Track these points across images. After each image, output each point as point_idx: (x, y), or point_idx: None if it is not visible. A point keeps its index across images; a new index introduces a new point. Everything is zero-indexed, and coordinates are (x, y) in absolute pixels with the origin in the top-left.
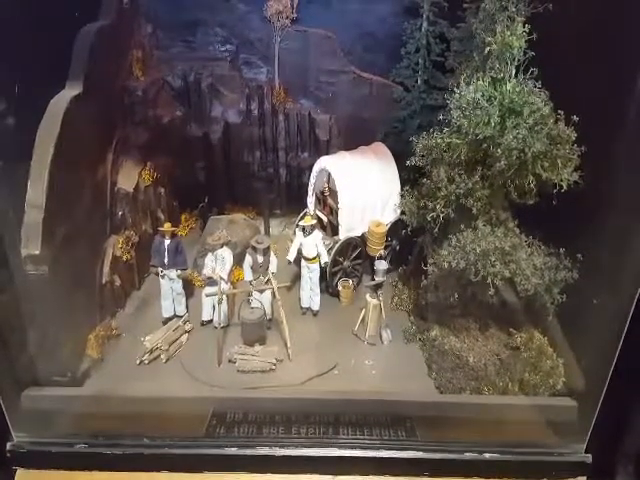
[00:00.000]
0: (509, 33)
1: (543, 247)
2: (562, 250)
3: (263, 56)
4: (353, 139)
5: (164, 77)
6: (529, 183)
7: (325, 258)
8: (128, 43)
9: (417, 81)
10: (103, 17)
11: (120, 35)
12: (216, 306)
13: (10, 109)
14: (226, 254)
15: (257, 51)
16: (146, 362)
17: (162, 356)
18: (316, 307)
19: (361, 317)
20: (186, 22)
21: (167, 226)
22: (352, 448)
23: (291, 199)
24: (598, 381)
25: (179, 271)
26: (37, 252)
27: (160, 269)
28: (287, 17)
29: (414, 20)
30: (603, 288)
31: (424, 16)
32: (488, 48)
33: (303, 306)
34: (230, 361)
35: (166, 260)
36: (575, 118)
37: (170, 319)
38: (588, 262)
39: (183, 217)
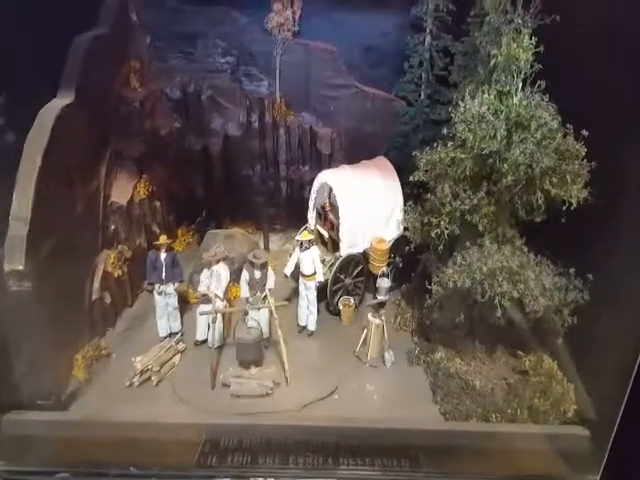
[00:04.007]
0: (515, 45)
1: (552, 267)
2: (572, 270)
3: (264, 69)
4: (355, 153)
5: (162, 88)
6: (537, 199)
7: (320, 277)
8: (125, 53)
9: (420, 95)
10: (99, 26)
11: (116, 45)
12: (210, 325)
13: None
14: (222, 270)
15: (258, 63)
16: (136, 384)
17: (153, 378)
18: (312, 327)
19: (363, 337)
20: (186, 33)
21: (163, 239)
22: (353, 479)
23: (292, 214)
24: (612, 408)
25: (176, 284)
26: (21, 267)
27: (158, 285)
28: (288, 30)
29: (417, 34)
30: (616, 309)
31: (427, 30)
32: (494, 60)
33: (300, 324)
34: (224, 384)
35: (163, 275)
36: (585, 132)
37: (167, 337)
38: (600, 282)
39: (180, 231)
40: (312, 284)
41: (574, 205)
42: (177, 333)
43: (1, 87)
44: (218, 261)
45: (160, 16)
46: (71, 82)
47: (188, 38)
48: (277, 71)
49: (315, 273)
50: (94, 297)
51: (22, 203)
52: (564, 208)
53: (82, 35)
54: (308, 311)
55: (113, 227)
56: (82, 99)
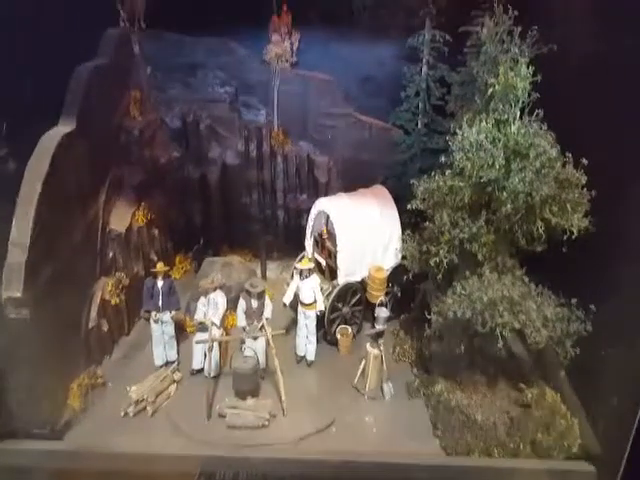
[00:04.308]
0: (513, 74)
1: (553, 297)
2: (574, 300)
3: (262, 98)
4: (352, 182)
5: (162, 117)
6: (538, 228)
7: (321, 306)
8: (125, 83)
9: (417, 124)
10: (101, 56)
11: (117, 74)
12: (207, 354)
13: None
14: (219, 298)
15: (256, 93)
16: (131, 414)
17: (148, 408)
18: (311, 357)
19: (361, 368)
20: (186, 64)
21: (160, 266)
22: None
23: (289, 242)
24: (619, 443)
25: (173, 312)
26: (19, 294)
27: (154, 313)
28: (286, 61)
29: (414, 64)
30: (621, 340)
31: (424, 60)
32: (491, 89)
33: (298, 354)
34: (220, 415)
35: (160, 302)
36: (584, 161)
37: (163, 366)
38: (603, 313)
39: (177, 259)
40: (312, 313)
41: (575, 234)
42: (173, 362)
43: (3, 115)
44: (215, 288)
45: (161, 47)
46: (72, 110)
47: (188, 69)
48: (275, 101)
49: (315, 302)
50: (91, 325)
51: (21, 229)
52: (565, 237)
53: (84, 65)
54: (307, 340)
55: (111, 254)
56: (83, 127)
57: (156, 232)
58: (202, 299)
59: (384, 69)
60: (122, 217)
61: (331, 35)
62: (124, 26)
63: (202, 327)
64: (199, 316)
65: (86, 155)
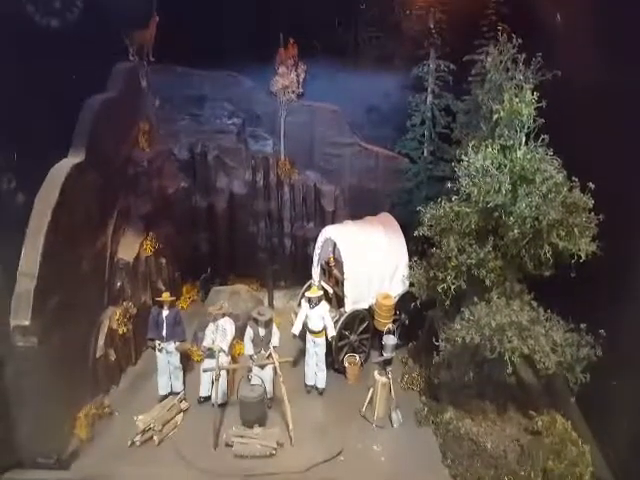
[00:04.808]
0: (517, 100)
1: (562, 322)
2: (583, 325)
3: (269, 129)
4: (359, 210)
5: (170, 149)
6: (545, 253)
7: (332, 332)
8: (134, 115)
9: (423, 152)
10: (110, 89)
11: (126, 107)
12: (214, 382)
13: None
14: (227, 325)
15: (263, 124)
16: (138, 444)
17: (155, 437)
18: (321, 385)
19: (369, 397)
20: (194, 96)
21: (165, 296)
22: None
23: (296, 270)
24: (632, 470)
25: (177, 343)
26: (27, 323)
27: (158, 342)
28: (293, 92)
29: (419, 93)
30: (632, 365)
31: (429, 89)
32: (496, 115)
33: (308, 383)
34: (227, 444)
35: (164, 332)
36: (591, 185)
37: (167, 397)
38: (613, 338)
39: (185, 288)
40: (321, 341)
41: (583, 258)
42: (178, 393)
43: (14, 146)
44: (223, 315)
45: (169, 80)
46: (82, 142)
47: (196, 101)
48: (282, 131)
49: (324, 329)
50: (99, 354)
51: (30, 259)
52: (573, 262)
53: (93, 97)
54: (317, 368)
55: (119, 284)
56: (92, 159)
57: (164, 261)
58: (210, 326)
59: (389, 99)
60: (130, 247)
61: (337, 66)
62: (133, 60)
63: (210, 354)
64: (207, 342)
65: (95, 186)
